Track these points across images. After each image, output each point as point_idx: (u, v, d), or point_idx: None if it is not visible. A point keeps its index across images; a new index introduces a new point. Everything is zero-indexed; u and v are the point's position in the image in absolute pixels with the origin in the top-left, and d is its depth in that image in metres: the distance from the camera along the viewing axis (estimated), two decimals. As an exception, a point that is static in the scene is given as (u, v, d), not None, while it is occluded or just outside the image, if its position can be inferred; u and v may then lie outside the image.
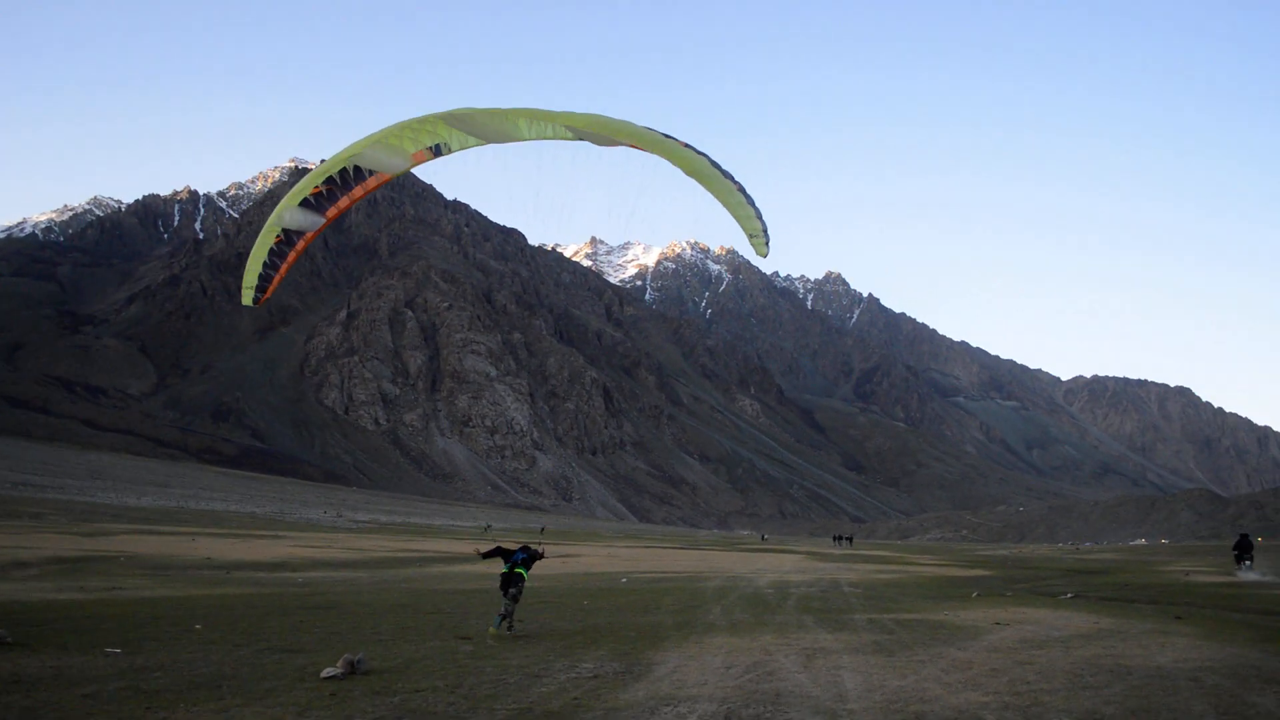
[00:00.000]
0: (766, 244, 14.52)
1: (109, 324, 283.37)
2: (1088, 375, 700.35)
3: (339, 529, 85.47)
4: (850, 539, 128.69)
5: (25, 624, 17.09)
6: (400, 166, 13.96)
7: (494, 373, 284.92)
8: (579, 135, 13.31)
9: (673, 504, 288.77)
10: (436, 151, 13.93)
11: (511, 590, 18.06)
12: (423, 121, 13.54)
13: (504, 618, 18.00)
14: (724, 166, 14.06)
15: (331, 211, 14.46)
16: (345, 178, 14.10)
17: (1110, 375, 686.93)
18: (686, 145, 13.49)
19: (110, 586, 27.19)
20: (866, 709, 10.93)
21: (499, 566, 19.53)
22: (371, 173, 14.15)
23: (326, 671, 12.46)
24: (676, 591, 29.40)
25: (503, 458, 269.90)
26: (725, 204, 14.16)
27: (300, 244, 14.80)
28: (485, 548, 23.45)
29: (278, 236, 14.73)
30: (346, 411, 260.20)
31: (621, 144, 13.23)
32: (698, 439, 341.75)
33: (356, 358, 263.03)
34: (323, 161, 14.31)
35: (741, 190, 14.24)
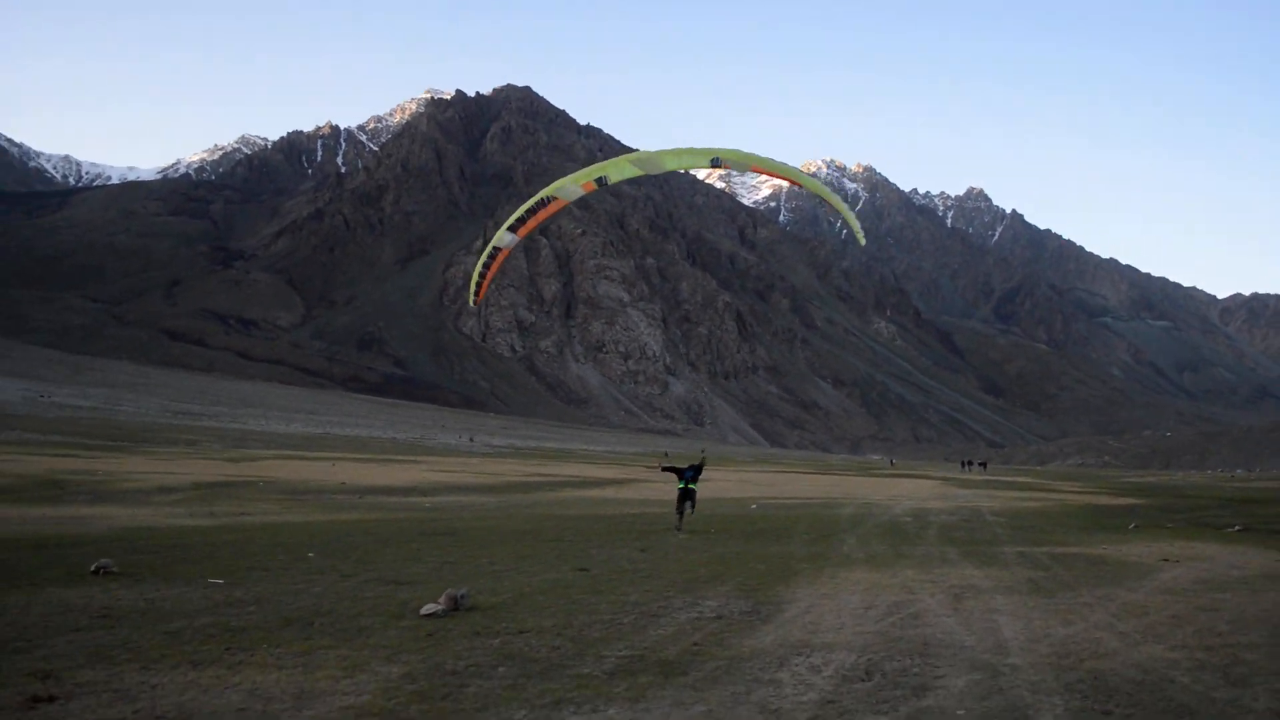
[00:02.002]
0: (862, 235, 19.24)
1: (258, 258, 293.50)
2: (1246, 293, 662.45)
3: (474, 453, 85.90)
4: (985, 464, 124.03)
5: (143, 551, 16.70)
6: (576, 193, 17.95)
7: (627, 298, 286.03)
8: (720, 164, 16.97)
9: (805, 428, 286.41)
10: (601, 183, 17.92)
11: (688, 503, 23.26)
12: (607, 165, 17.80)
13: (681, 522, 23.12)
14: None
15: (524, 230, 18.60)
16: (538, 205, 18.22)
17: (1271, 293, 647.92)
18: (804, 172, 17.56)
19: (239, 512, 27.19)
20: (1032, 664, 9.35)
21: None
22: (554, 199, 18.14)
23: (427, 608, 11.48)
24: (808, 519, 28.07)
25: (635, 383, 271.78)
26: (832, 203, 18.09)
27: (503, 254, 19.21)
28: (664, 465, 27.99)
29: (497, 253, 19.24)
30: (484, 339, 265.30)
31: (752, 169, 17.17)
32: (831, 363, 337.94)
33: (493, 285, 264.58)
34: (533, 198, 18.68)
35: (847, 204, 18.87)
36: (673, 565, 16.27)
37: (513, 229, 18.39)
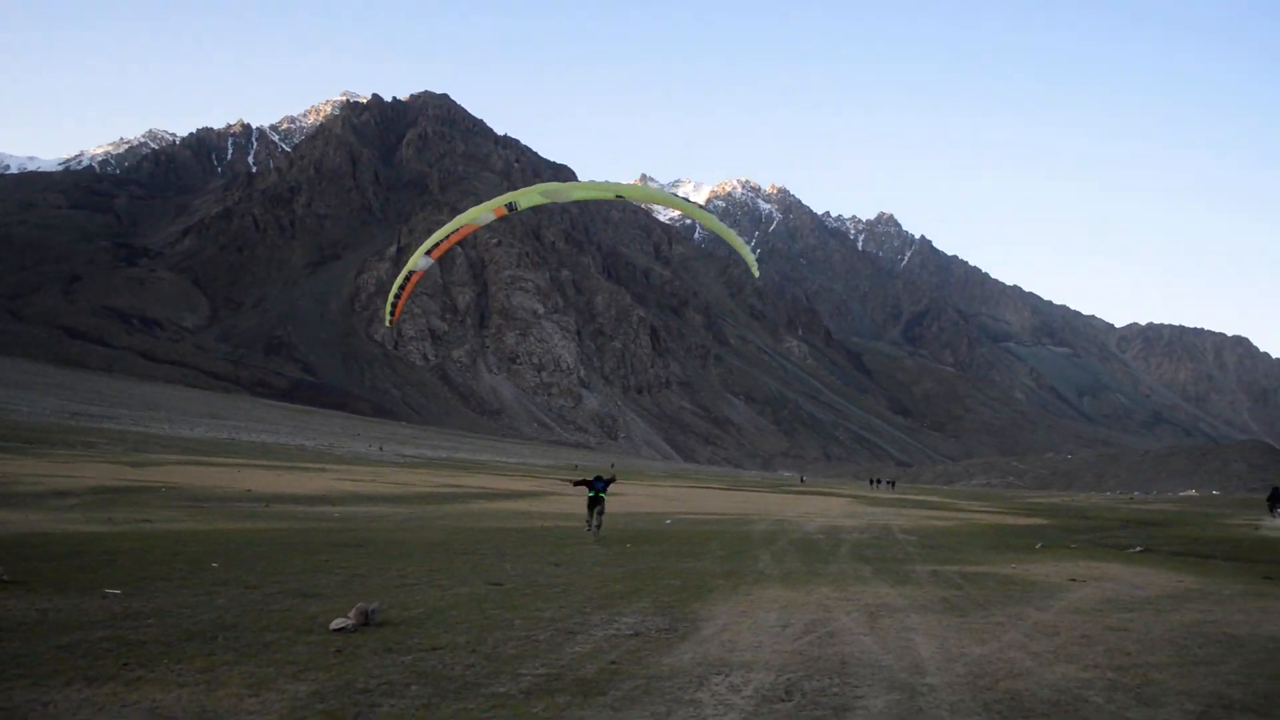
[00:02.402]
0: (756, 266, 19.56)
1: (164, 256, 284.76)
2: (1142, 323, 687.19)
3: (385, 463, 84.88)
4: (893, 483, 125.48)
5: (36, 559, 15.98)
6: (488, 219, 18.82)
7: (542, 310, 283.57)
8: (622, 198, 18.87)
9: (718, 444, 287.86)
10: (511, 209, 18.81)
11: (596, 509, 25.39)
12: (519, 193, 18.81)
13: (595, 528, 25.23)
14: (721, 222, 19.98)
15: (437, 252, 19.38)
16: (452, 231, 19.04)
17: (1165, 323, 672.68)
18: (700, 206, 21.69)
19: (140, 519, 26.24)
20: (950, 684, 9.36)
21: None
22: (468, 225, 18.93)
23: (336, 623, 11.12)
24: (723, 535, 28.26)
25: (549, 395, 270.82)
26: (725, 238, 19.91)
27: (417, 276, 19.74)
28: (575, 480, 28.52)
29: (411, 275, 19.67)
30: (396, 347, 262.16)
31: (652, 202, 19.89)
32: (744, 380, 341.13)
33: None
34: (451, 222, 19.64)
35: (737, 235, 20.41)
36: (588, 580, 16.13)
37: (428, 252, 19.09)
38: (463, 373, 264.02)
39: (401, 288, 19.54)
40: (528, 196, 18.36)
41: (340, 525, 27.63)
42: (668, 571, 17.76)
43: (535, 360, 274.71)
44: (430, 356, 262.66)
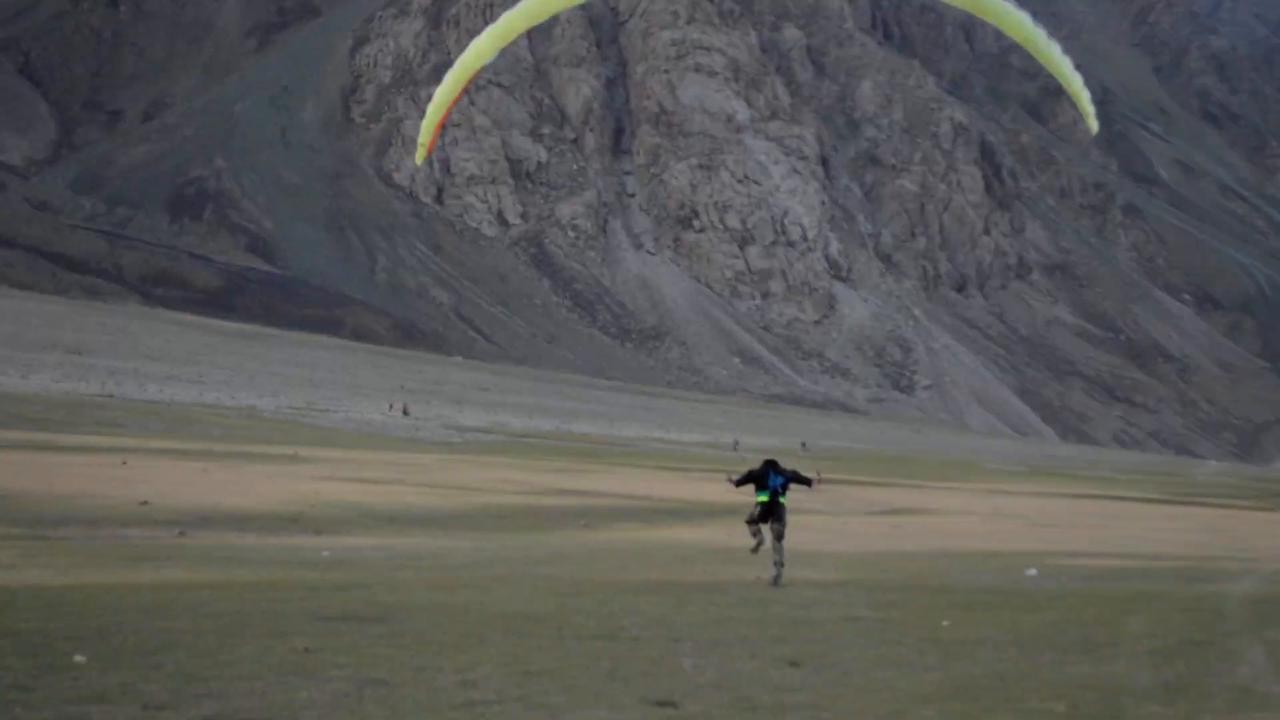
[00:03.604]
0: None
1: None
2: None
3: (418, 442, 57.85)
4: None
5: None
6: None
7: (744, 115, 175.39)
8: None
9: (1136, 403, 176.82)
10: None
11: (775, 525, 15.31)
12: None
13: (775, 563, 15.36)
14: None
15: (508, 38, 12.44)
16: None
17: None
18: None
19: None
20: None
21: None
22: None
23: None
24: (1158, 603, 14.32)
25: (765, 299, 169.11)
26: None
27: (470, 78, 12.89)
28: (736, 473, 16.45)
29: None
30: (438, 198, 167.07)
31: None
32: (1197, 259, 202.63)
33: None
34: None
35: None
36: (860, 699, 7.69)
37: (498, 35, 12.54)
38: (581, 250, 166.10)
39: (449, 97, 12.68)
40: None
41: (334, 576, 15.40)
42: (1035, 683, 8.65)
43: (735, 223, 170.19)
44: (512, 217, 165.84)
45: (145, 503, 23.68)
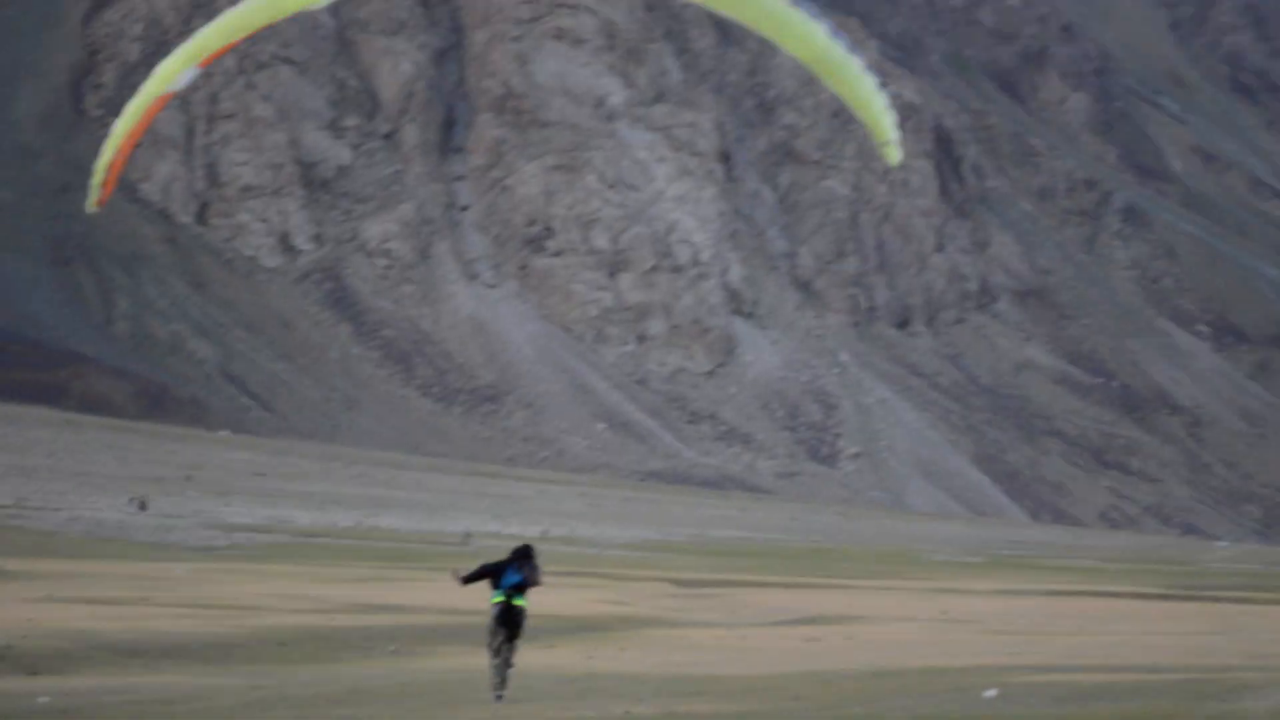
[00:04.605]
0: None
1: None
2: None
3: (172, 545, 54.84)
4: None
5: None
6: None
7: (621, 99, 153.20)
8: None
9: (1130, 468, 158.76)
10: None
11: (503, 635, 14.45)
12: None
13: (498, 680, 14.79)
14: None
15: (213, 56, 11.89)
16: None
17: None
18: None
19: None
20: None
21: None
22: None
23: None
24: None
25: (642, 343, 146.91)
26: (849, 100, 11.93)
27: (158, 105, 11.84)
28: (466, 570, 15.67)
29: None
30: (201, 217, 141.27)
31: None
32: (1206, 280, 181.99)
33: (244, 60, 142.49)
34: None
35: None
36: None
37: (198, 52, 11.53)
38: (391, 285, 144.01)
39: (130, 126, 11.46)
40: None
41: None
42: None
43: (603, 243, 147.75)
44: (302, 242, 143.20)
45: None
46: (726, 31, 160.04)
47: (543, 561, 14.58)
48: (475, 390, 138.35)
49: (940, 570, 64.09)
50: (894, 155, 11.17)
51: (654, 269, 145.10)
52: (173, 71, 10.79)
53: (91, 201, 11.62)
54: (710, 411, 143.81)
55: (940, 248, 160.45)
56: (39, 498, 69.51)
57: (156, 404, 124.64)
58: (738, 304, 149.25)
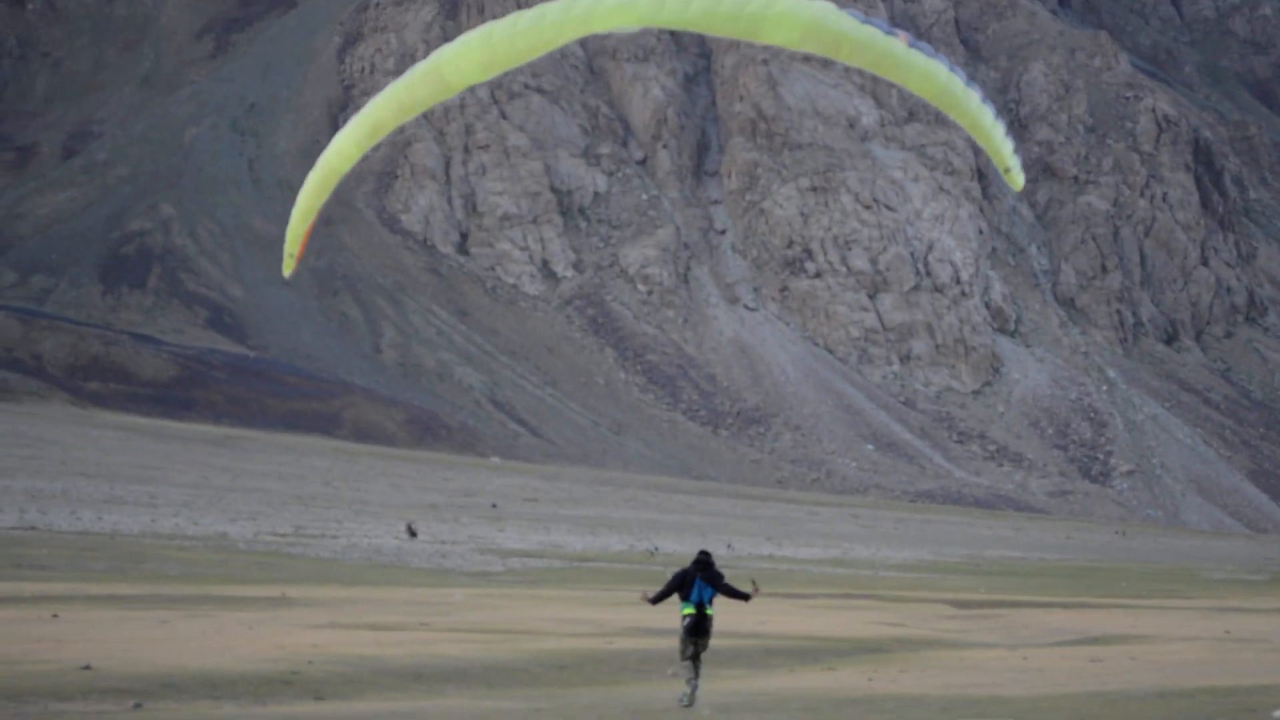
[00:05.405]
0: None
1: None
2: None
3: (449, 570, 52.30)
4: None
5: None
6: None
7: (871, 119, 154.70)
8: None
9: None
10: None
11: (694, 643, 14.88)
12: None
13: (689, 687, 15.22)
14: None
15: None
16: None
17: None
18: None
19: None
20: None
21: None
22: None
23: None
24: None
25: (905, 363, 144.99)
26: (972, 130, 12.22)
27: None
28: (653, 591, 15.90)
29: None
30: (462, 247, 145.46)
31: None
32: None
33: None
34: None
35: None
36: None
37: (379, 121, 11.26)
38: (653, 310, 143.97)
39: (315, 200, 11.60)
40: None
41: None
42: None
43: (862, 264, 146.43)
44: (562, 269, 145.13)
45: (87, 667, 20.87)
46: (975, 49, 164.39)
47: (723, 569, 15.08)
48: (741, 413, 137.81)
49: (1221, 588, 61.99)
50: (1017, 181, 11.83)
51: (915, 288, 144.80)
52: (350, 154, 11.11)
53: (285, 270, 12.35)
54: (979, 431, 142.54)
55: (1204, 261, 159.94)
56: (317, 525, 69.90)
57: (427, 431, 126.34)
58: (1001, 322, 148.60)
